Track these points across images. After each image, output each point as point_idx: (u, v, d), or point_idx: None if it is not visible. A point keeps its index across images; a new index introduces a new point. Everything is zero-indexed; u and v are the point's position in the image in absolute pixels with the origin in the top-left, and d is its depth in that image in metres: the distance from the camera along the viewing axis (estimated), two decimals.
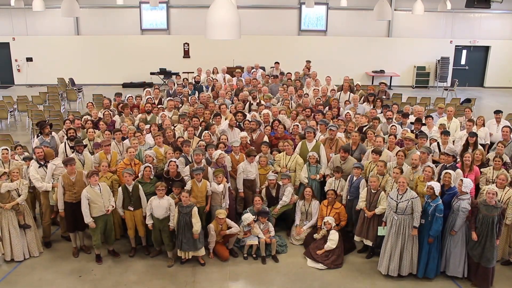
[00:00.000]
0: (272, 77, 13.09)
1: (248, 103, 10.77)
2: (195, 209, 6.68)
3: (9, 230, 6.75)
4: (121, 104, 10.31)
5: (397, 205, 6.33)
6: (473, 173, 7.15)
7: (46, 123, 8.56)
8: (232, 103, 10.72)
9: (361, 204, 6.99)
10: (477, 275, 6.41)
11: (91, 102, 10.20)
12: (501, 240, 6.54)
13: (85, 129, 8.67)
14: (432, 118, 9.21)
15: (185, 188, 6.96)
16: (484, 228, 6.15)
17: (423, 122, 8.96)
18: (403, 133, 8.19)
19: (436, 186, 6.24)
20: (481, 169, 7.30)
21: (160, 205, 6.66)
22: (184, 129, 8.79)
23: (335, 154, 7.92)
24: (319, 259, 6.93)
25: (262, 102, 10.59)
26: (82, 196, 6.60)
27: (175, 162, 7.12)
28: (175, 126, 9.02)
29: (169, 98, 10.98)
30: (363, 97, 11.18)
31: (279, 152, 8.12)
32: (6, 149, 7.37)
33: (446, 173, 6.55)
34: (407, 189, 6.34)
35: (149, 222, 6.79)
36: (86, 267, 6.88)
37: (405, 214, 6.31)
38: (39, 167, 7.16)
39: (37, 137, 8.41)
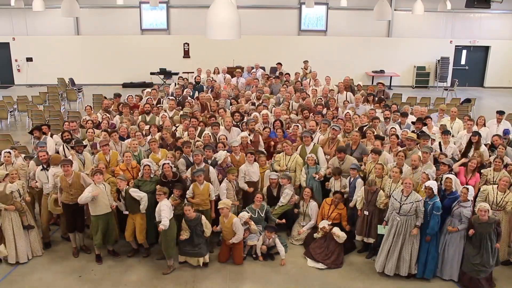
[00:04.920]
0: (274, 77, 13.09)
1: (250, 103, 10.75)
2: (203, 219, 6.67)
3: (13, 232, 6.73)
4: (121, 104, 10.29)
5: (400, 206, 6.31)
6: (474, 178, 7.13)
7: (36, 127, 8.51)
8: (231, 105, 10.68)
9: (357, 204, 7.01)
10: (468, 280, 6.37)
11: (89, 106, 10.14)
12: (501, 242, 6.54)
13: (85, 130, 8.66)
14: (431, 118, 9.20)
15: (186, 195, 6.94)
16: (479, 244, 6.12)
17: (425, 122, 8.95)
18: (404, 134, 8.19)
19: (435, 186, 6.24)
20: (481, 170, 7.28)
21: (157, 209, 6.56)
22: (184, 130, 8.78)
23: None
24: (319, 259, 6.93)
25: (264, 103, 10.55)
26: (86, 190, 6.53)
27: (168, 164, 7.03)
28: (177, 126, 9.00)
29: (170, 97, 10.94)
30: (363, 97, 11.18)
31: (279, 153, 8.11)
32: (9, 152, 7.38)
33: (447, 178, 6.50)
34: (412, 191, 6.31)
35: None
36: (86, 267, 6.88)
37: (407, 215, 6.30)
38: (42, 170, 7.16)
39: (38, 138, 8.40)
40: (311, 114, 9.57)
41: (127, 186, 6.78)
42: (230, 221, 6.74)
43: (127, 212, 6.87)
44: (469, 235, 6.19)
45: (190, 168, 7.39)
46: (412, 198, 6.26)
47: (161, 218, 6.41)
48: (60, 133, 8.38)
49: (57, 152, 7.91)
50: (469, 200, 6.21)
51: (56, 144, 8.25)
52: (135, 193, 6.69)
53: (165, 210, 6.41)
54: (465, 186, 6.35)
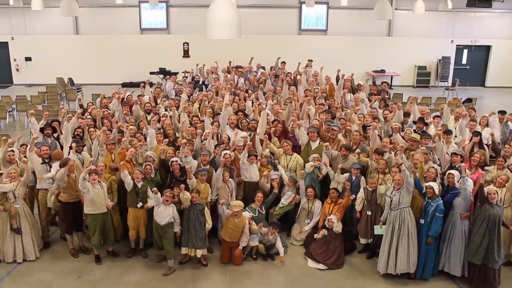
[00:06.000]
0: (274, 77, 13.05)
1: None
2: (207, 210, 6.76)
3: (2, 231, 6.69)
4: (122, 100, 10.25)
5: (391, 201, 6.38)
6: (477, 173, 7.11)
7: (47, 124, 8.51)
8: (233, 101, 10.63)
9: (357, 205, 7.02)
10: (480, 277, 6.34)
11: (92, 102, 10.14)
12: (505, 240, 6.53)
13: (87, 129, 8.61)
14: (440, 117, 9.18)
15: (189, 187, 6.92)
16: (490, 227, 6.11)
17: (426, 121, 8.90)
18: (407, 133, 8.15)
19: (435, 186, 6.26)
20: (485, 167, 7.29)
21: (165, 212, 6.50)
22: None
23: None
24: (320, 259, 6.90)
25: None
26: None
27: (177, 161, 7.09)
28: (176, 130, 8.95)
29: (169, 96, 10.87)
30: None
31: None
32: (12, 150, 7.33)
33: (449, 173, 6.55)
34: (402, 186, 6.36)
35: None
36: (85, 268, 6.85)
37: (399, 208, 6.31)
38: (42, 163, 7.12)
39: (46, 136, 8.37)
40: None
41: (142, 182, 6.77)
42: (243, 221, 6.75)
43: (140, 204, 6.79)
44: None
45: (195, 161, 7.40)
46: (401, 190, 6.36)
47: (174, 223, 6.60)
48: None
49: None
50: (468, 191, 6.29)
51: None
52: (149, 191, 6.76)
53: (178, 217, 6.60)
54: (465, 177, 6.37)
